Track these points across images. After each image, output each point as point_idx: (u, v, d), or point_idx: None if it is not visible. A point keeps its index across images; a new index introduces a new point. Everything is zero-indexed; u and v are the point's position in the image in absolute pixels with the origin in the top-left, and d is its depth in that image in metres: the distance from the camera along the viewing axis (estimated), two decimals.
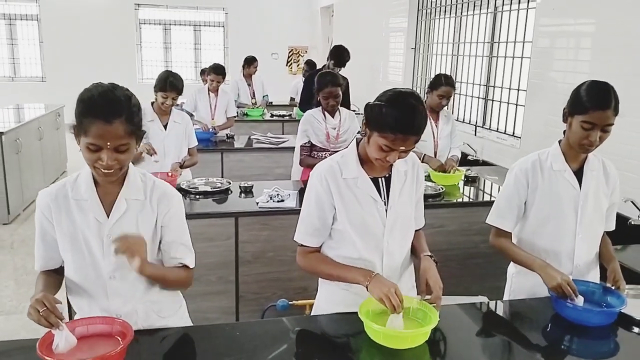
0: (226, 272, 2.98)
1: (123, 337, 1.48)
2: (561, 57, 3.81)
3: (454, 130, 3.96)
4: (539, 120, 4.06)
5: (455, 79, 5.70)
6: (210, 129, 5.02)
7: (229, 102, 5.32)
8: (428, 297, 1.71)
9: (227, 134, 5.15)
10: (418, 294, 1.78)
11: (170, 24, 11.32)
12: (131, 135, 1.49)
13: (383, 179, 1.80)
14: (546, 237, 1.99)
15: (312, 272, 1.84)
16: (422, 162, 3.68)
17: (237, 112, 6.53)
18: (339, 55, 5.34)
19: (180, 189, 3.24)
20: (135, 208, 1.60)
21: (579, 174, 1.97)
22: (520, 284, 2.07)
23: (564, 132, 1.95)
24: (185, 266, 1.71)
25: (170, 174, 3.30)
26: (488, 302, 2.03)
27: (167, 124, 3.48)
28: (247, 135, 5.35)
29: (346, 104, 5.66)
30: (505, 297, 2.17)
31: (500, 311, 1.96)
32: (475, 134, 5.16)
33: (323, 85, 3.48)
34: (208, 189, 3.28)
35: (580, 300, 1.76)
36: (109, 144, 1.44)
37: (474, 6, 5.27)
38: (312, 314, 1.91)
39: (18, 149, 5.58)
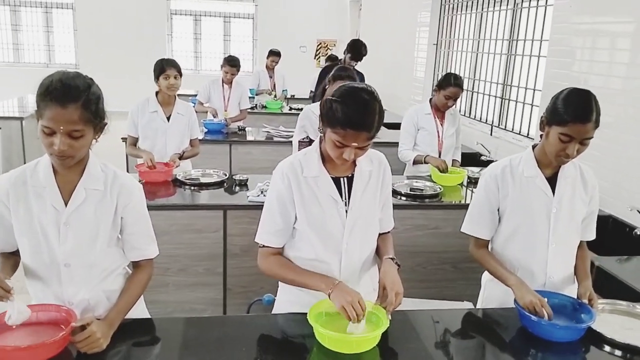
0: (214, 264, 2.98)
1: (67, 325, 1.49)
2: (583, 57, 3.63)
3: (460, 129, 3.86)
4: None
5: (475, 76, 5.56)
6: (222, 121, 5.04)
7: (242, 94, 5.33)
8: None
9: (238, 126, 5.16)
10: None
11: (200, 15, 11.44)
12: (87, 123, 1.49)
13: (345, 178, 1.75)
14: (518, 247, 1.91)
15: (274, 277, 1.80)
16: (424, 162, 3.60)
17: (257, 104, 6.59)
18: (357, 49, 5.29)
19: (175, 180, 3.26)
20: (94, 198, 1.60)
21: (553, 180, 1.87)
22: (493, 292, 1.99)
23: (541, 136, 1.85)
24: (142, 262, 1.74)
25: (167, 164, 3.31)
26: (461, 310, 1.96)
27: (170, 115, 3.49)
28: (260, 128, 5.34)
29: None
30: (479, 305, 2.09)
31: (468, 320, 1.87)
32: (491, 134, 5.02)
33: (337, 77, 3.39)
34: (203, 180, 3.29)
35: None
36: (62, 128, 1.44)
37: (494, 2, 5.12)
38: (272, 312, 1.89)
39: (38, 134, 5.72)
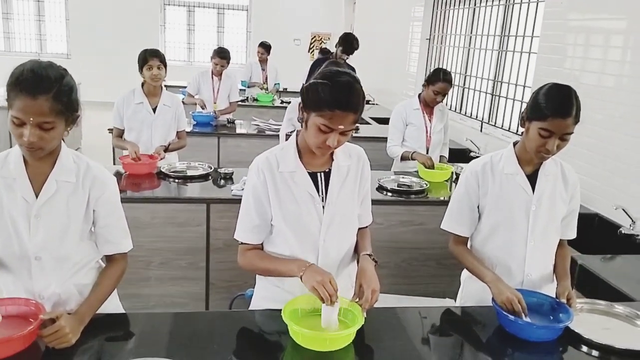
0: (196, 259, 2.96)
1: (36, 319, 1.46)
2: (573, 54, 3.59)
3: (448, 125, 3.84)
4: None
5: (467, 72, 5.54)
6: (212, 113, 5.01)
7: (232, 86, 5.29)
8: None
9: (228, 119, 5.12)
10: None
11: (194, 6, 11.34)
12: (58, 115, 1.45)
13: (322, 173, 1.73)
14: (496, 244, 1.89)
15: (252, 270, 1.77)
16: (412, 158, 3.58)
17: (248, 97, 6.55)
18: (348, 42, 5.23)
19: (160, 172, 3.23)
20: (66, 190, 1.57)
21: (533, 177, 1.86)
22: (471, 289, 1.97)
23: (522, 133, 1.84)
24: (116, 256, 1.72)
25: (151, 156, 3.28)
26: (440, 307, 1.95)
27: (156, 106, 3.45)
28: (250, 121, 5.30)
29: None
30: (457, 302, 2.08)
31: (446, 318, 1.85)
32: (481, 130, 5.00)
33: None
34: (187, 173, 3.26)
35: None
36: (32, 119, 1.41)
37: None
38: (249, 308, 1.87)
39: None
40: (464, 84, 5.59)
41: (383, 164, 4.05)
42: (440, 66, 6.10)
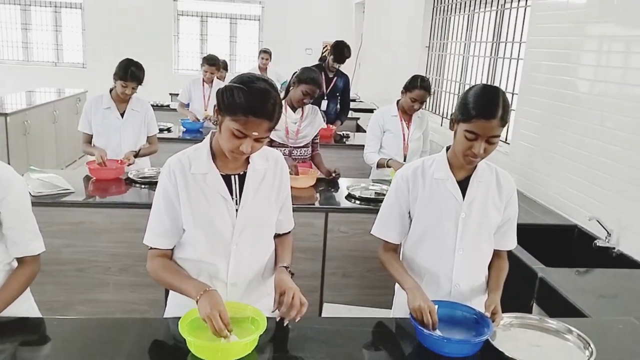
0: None
1: None
2: (559, 60, 3.45)
3: (428, 133, 3.74)
4: (529, 126, 3.76)
5: (464, 79, 5.42)
6: (202, 120, 5.01)
7: None
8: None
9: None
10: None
11: (207, 16, 11.46)
12: None
13: (237, 176, 1.67)
14: (425, 252, 1.80)
15: (156, 280, 1.73)
16: (387, 166, 3.50)
17: None
18: (339, 51, 5.23)
19: (127, 178, 3.22)
20: None
21: (465, 183, 1.76)
22: (403, 299, 1.87)
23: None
24: (26, 258, 1.68)
25: (120, 161, 3.28)
26: (375, 318, 1.86)
27: (124, 112, 3.45)
28: None
29: (346, 100, 5.54)
30: (391, 313, 1.98)
31: (377, 330, 1.74)
32: None
33: (310, 80, 3.27)
34: (156, 179, 3.24)
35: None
36: None
37: (480, 3, 4.98)
38: (164, 316, 1.81)
39: (26, 131, 5.76)
40: (459, 92, 5.47)
41: (364, 172, 3.98)
42: (439, 74, 6.00)
